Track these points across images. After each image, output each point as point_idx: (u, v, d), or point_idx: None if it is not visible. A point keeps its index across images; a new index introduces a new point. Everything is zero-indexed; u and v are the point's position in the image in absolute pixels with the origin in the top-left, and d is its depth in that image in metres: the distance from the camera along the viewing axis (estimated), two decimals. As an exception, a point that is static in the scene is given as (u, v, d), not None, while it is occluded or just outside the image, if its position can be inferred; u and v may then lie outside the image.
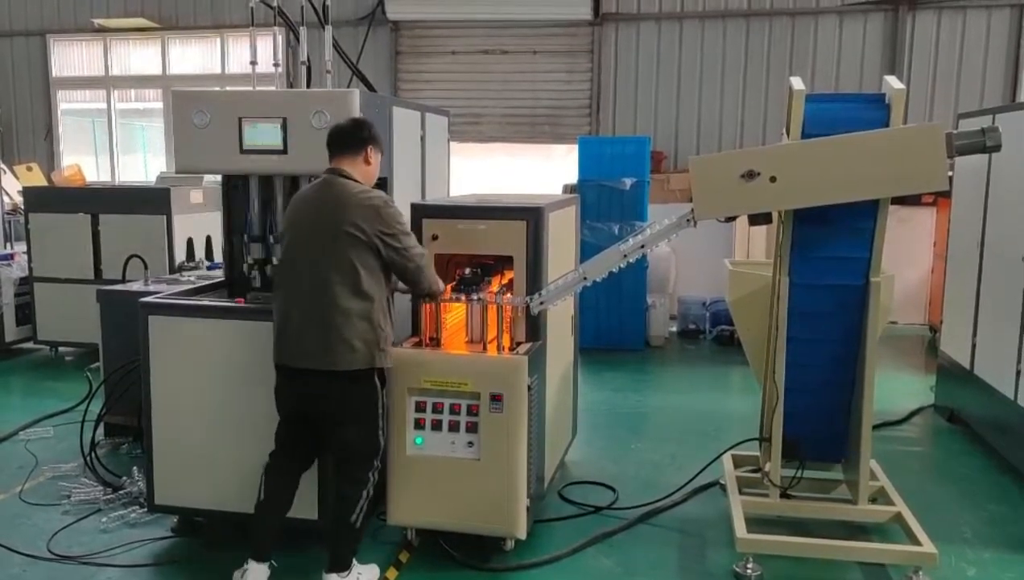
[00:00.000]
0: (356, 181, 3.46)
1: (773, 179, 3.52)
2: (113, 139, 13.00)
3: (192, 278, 5.33)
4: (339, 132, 3.50)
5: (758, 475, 4.37)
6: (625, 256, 3.77)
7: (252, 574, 3.47)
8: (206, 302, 4.10)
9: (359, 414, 3.43)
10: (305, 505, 3.74)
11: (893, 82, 3.67)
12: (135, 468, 4.59)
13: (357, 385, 3.40)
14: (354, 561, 3.50)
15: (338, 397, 3.39)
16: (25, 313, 7.56)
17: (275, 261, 3.62)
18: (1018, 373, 4.73)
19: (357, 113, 3.81)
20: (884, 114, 3.66)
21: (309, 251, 3.35)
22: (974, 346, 5.43)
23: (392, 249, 3.38)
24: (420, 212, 4.02)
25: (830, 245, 3.77)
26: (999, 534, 4.18)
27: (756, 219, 3.69)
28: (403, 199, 4.32)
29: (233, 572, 3.50)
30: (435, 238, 3.94)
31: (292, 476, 3.57)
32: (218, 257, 6.36)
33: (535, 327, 3.95)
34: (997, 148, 3.56)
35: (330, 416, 3.44)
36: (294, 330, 3.37)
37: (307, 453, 3.61)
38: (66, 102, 13.10)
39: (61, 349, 7.64)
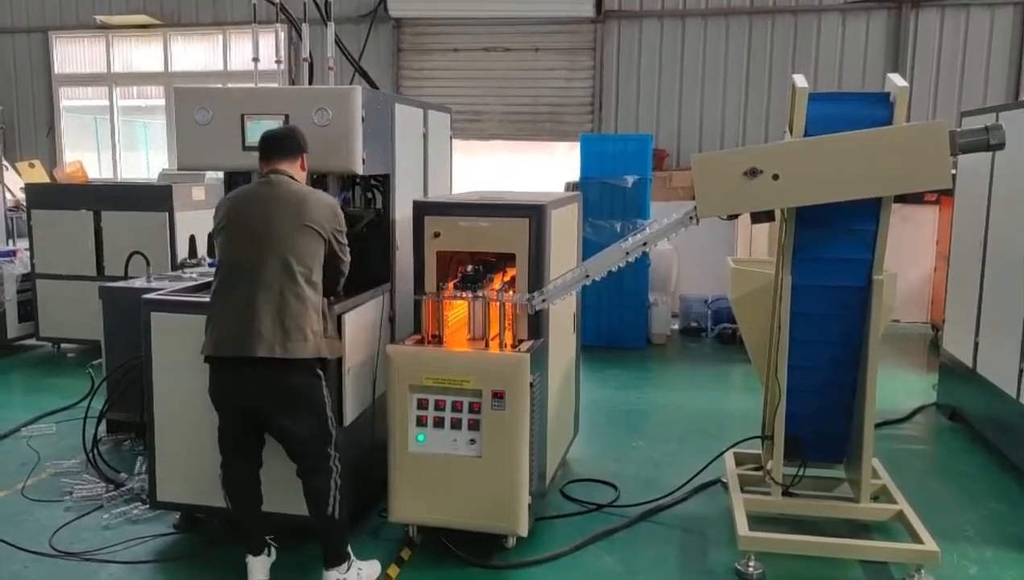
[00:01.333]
0: (297, 181, 3.58)
1: (776, 177, 3.51)
2: (115, 136, 13.00)
3: (194, 275, 5.33)
4: (278, 138, 3.61)
5: (760, 473, 4.37)
6: (627, 253, 3.77)
7: (252, 567, 3.51)
8: (208, 299, 4.09)
9: (310, 404, 3.42)
10: (302, 502, 3.74)
11: (896, 80, 3.66)
12: (138, 460, 4.61)
13: (307, 375, 3.41)
14: (352, 555, 3.50)
15: (289, 387, 3.37)
16: (27, 310, 7.57)
17: (217, 257, 3.56)
18: (1020, 371, 4.72)
19: (359, 110, 3.81)
20: (887, 113, 3.65)
21: (268, 243, 3.37)
22: (976, 345, 5.43)
23: (339, 245, 3.56)
24: (422, 209, 4.02)
25: (832, 247, 3.76)
26: (1001, 533, 4.18)
27: (758, 217, 3.68)
28: (405, 196, 4.32)
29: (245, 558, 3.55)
30: (437, 235, 3.94)
31: (251, 476, 3.54)
32: (220, 254, 6.35)
33: (537, 325, 3.94)
34: (1001, 146, 3.56)
35: (281, 409, 3.38)
36: (247, 319, 3.32)
37: (257, 451, 3.56)
38: (68, 99, 13.09)
39: (63, 346, 7.65)
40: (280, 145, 3.58)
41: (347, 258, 3.65)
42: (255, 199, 3.51)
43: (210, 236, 3.61)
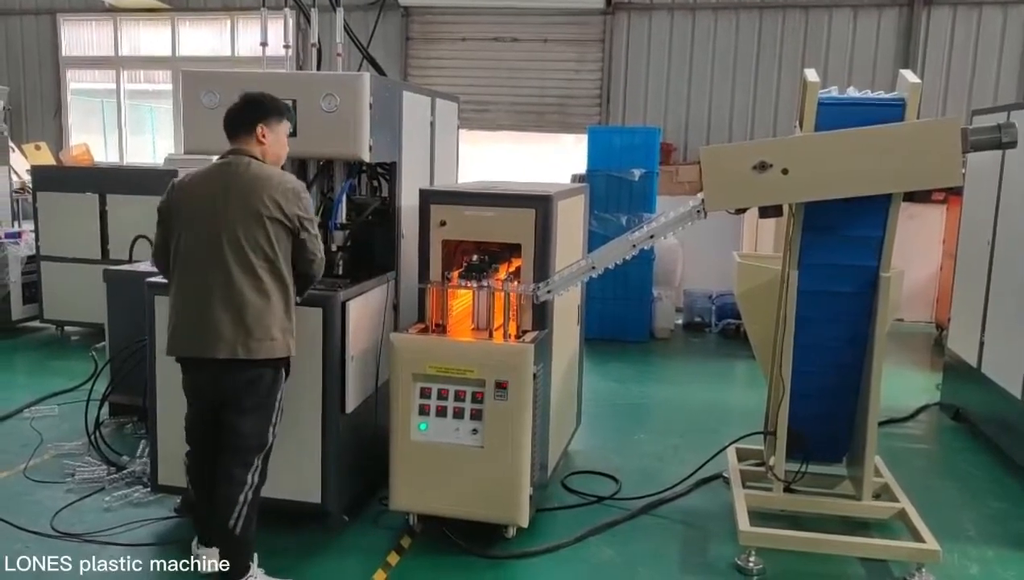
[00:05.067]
0: (260, 160, 3.25)
1: (785, 171, 3.48)
2: (122, 120, 13.00)
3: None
4: (229, 113, 3.28)
5: (762, 469, 4.36)
6: (634, 245, 3.75)
7: (203, 558, 3.48)
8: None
9: (260, 403, 3.24)
10: (308, 489, 3.75)
11: (909, 76, 3.62)
12: (140, 444, 4.62)
13: (269, 373, 3.23)
14: (255, 576, 3.27)
15: (247, 385, 3.19)
16: (32, 292, 7.57)
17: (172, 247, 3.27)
18: (1026, 372, 4.70)
19: (367, 97, 3.79)
20: (898, 111, 3.62)
21: (221, 234, 3.11)
22: (982, 344, 5.40)
23: (308, 235, 3.24)
24: (428, 197, 4.00)
25: (837, 253, 3.73)
26: (1002, 532, 4.17)
27: (766, 211, 3.66)
28: (411, 185, 4.30)
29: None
30: (443, 224, 3.93)
31: (214, 469, 3.43)
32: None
33: (541, 316, 3.94)
34: (1013, 144, 3.53)
35: (236, 400, 3.22)
36: (205, 319, 3.12)
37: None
38: (75, 82, 13.11)
39: (67, 328, 7.65)
40: (229, 121, 3.25)
41: (319, 253, 3.30)
42: (208, 182, 3.20)
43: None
